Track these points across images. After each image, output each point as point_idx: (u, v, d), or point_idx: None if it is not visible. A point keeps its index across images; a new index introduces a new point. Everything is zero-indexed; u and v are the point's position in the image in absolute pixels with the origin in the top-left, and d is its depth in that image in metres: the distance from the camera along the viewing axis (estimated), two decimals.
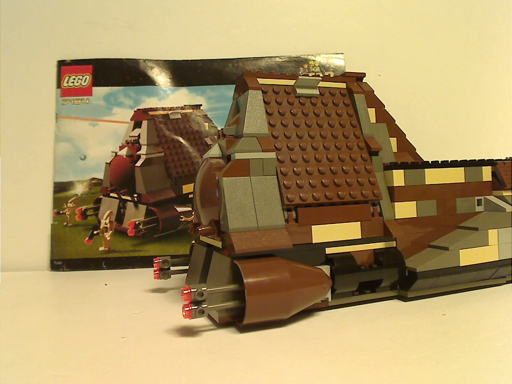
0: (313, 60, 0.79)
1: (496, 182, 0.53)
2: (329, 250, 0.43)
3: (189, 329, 0.38)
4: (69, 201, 0.73)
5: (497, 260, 0.47)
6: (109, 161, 0.74)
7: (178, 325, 0.39)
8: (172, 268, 0.53)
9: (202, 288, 0.36)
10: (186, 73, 0.77)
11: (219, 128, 0.62)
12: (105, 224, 0.73)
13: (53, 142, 0.75)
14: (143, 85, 0.76)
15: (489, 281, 0.48)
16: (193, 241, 0.54)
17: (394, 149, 0.52)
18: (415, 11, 0.84)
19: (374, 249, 0.45)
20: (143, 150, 0.74)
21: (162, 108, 0.76)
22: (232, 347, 0.34)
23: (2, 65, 0.76)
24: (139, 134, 0.75)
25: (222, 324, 0.39)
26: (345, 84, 0.50)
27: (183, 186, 0.75)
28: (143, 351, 0.33)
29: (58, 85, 0.76)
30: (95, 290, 0.57)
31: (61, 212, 0.73)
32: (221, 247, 0.42)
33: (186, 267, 0.53)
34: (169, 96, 0.77)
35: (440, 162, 0.50)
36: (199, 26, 0.79)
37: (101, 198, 0.74)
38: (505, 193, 0.52)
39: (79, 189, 0.74)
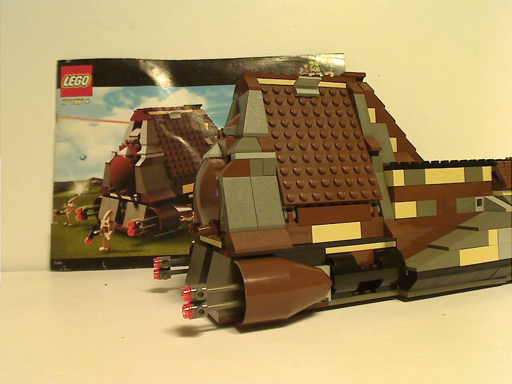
0: (313, 60, 0.79)
1: (496, 182, 0.53)
2: (329, 250, 0.43)
3: (189, 329, 0.38)
4: (69, 201, 0.73)
5: (497, 260, 0.47)
6: (109, 161, 0.74)
7: (178, 325, 0.39)
8: (172, 268, 0.53)
9: (202, 288, 0.36)
10: (186, 73, 0.77)
11: (219, 128, 0.62)
12: (105, 224, 0.72)
13: (53, 142, 0.75)
14: (143, 85, 0.76)
15: (489, 281, 0.48)
16: (193, 241, 0.54)
17: (394, 149, 0.52)
18: (415, 11, 0.84)
19: (374, 249, 0.45)
20: (143, 150, 0.74)
21: (162, 108, 0.76)
22: (232, 347, 0.34)
23: (2, 65, 0.76)
24: (139, 134, 0.75)
25: (222, 324, 0.39)
26: (345, 84, 0.50)
27: (183, 186, 0.75)
28: (143, 351, 0.33)
29: (58, 85, 0.76)
30: (95, 290, 0.56)
31: (61, 212, 0.73)
32: (221, 247, 0.42)
33: (186, 267, 0.53)
34: (169, 96, 0.77)
35: (440, 162, 0.50)
36: (199, 26, 0.79)
37: (101, 198, 0.74)
38: (505, 193, 0.52)
39: (79, 189, 0.74)
